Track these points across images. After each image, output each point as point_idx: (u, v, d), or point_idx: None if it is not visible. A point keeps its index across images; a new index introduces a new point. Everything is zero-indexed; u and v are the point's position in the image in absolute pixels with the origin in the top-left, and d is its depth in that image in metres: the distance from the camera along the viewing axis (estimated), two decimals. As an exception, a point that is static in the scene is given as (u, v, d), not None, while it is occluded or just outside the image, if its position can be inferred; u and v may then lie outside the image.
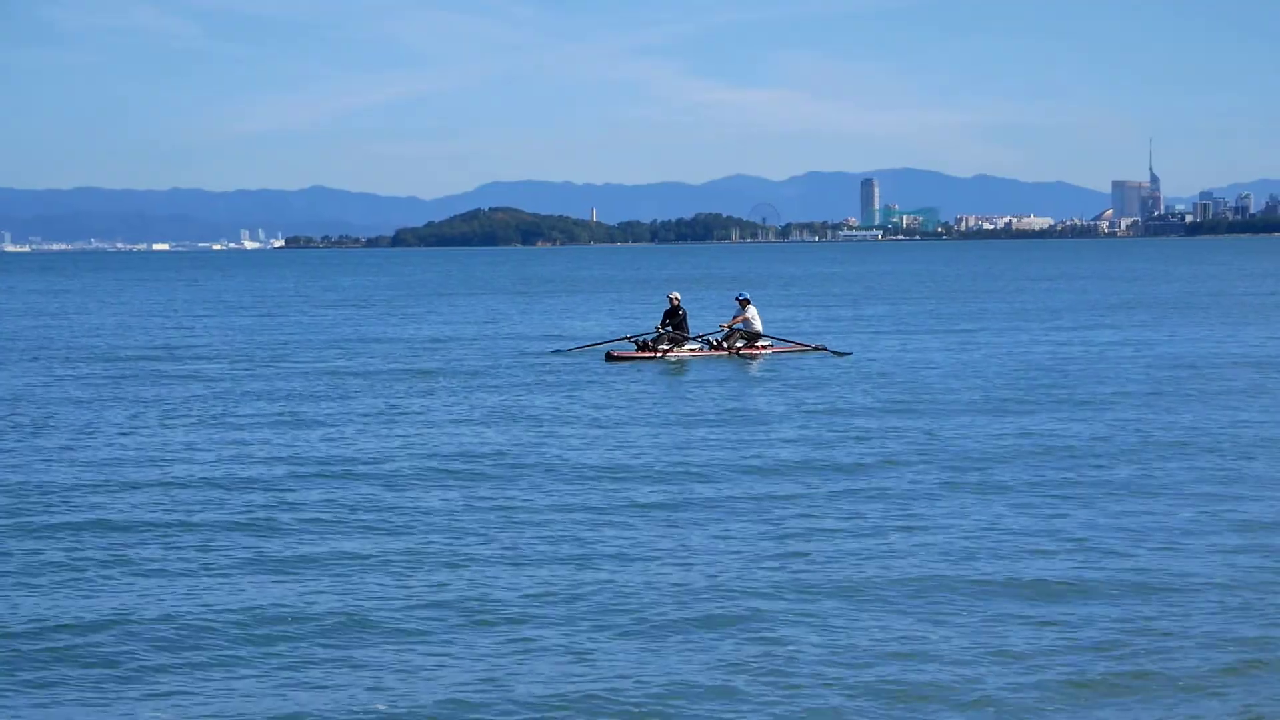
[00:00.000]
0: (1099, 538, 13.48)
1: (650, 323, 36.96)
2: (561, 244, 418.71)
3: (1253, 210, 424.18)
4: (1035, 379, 27.34)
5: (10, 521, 14.66)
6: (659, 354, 32.00)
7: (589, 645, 10.39)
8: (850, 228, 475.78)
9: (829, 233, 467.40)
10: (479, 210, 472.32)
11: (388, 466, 17.84)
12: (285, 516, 14.81)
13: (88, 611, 11.35)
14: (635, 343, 32.68)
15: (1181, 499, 15.39)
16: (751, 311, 33.34)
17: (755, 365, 30.85)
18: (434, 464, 18.00)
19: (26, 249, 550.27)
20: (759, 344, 32.97)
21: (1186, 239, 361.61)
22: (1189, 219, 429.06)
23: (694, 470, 17.38)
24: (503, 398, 25.34)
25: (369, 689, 9.57)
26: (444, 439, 20.20)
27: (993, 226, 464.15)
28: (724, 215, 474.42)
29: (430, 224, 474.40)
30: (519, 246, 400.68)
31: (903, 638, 10.48)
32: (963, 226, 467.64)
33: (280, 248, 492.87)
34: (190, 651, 10.34)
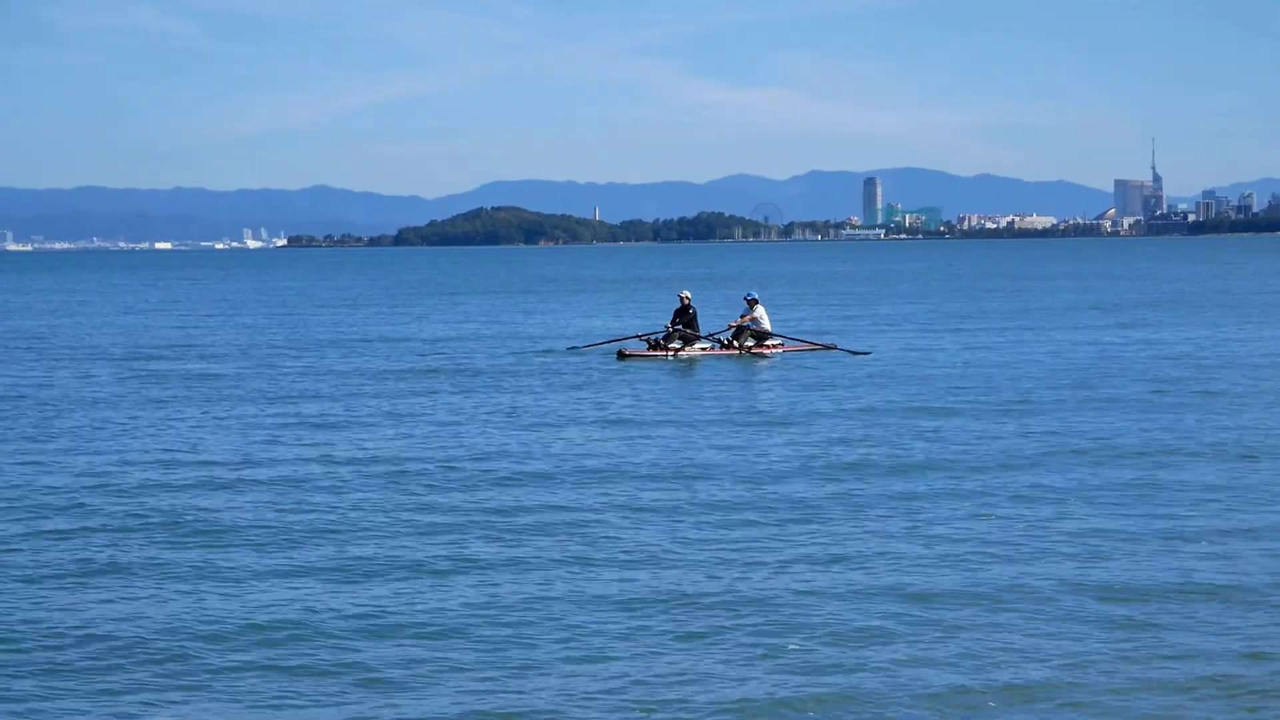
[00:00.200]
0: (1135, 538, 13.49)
1: (658, 321, 37.26)
2: (564, 243, 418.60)
3: (1256, 209, 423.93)
4: (1064, 378, 27.20)
5: (30, 522, 14.67)
6: (670, 353, 32.06)
7: (592, 650, 10.35)
8: (853, 227, 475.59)
9: (831, 232, 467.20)
10: (481, 209, 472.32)
11: (408, 465, 17.78)
12: (310, 518, 14.78)
13: (155, 612, 11.35)
14: (647, 341, 32.77)
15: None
16: (760, 311, 33.40)
17: (770, 365, 30.81)
18: (453, 464, 17.92)
19: (29, 248, 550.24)
20: (769, 343, 33.04)
21: (1189, 238, 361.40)
22: (1192, 218, 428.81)
23: (706, 471, 17.33)
24: (519, 397, 25.30)
25: (376, 694, 9.56)
26: (463, 439, 20.12)
27: (995, 226, 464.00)
28: (726, 214, 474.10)
29: (433, 223, 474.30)
30: (521, 245, 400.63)
31: (927, 643, 10.47)
32: (965, 226, 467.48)
33: (282, 247, 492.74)
34: (194, 658, 10.32)
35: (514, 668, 9.99)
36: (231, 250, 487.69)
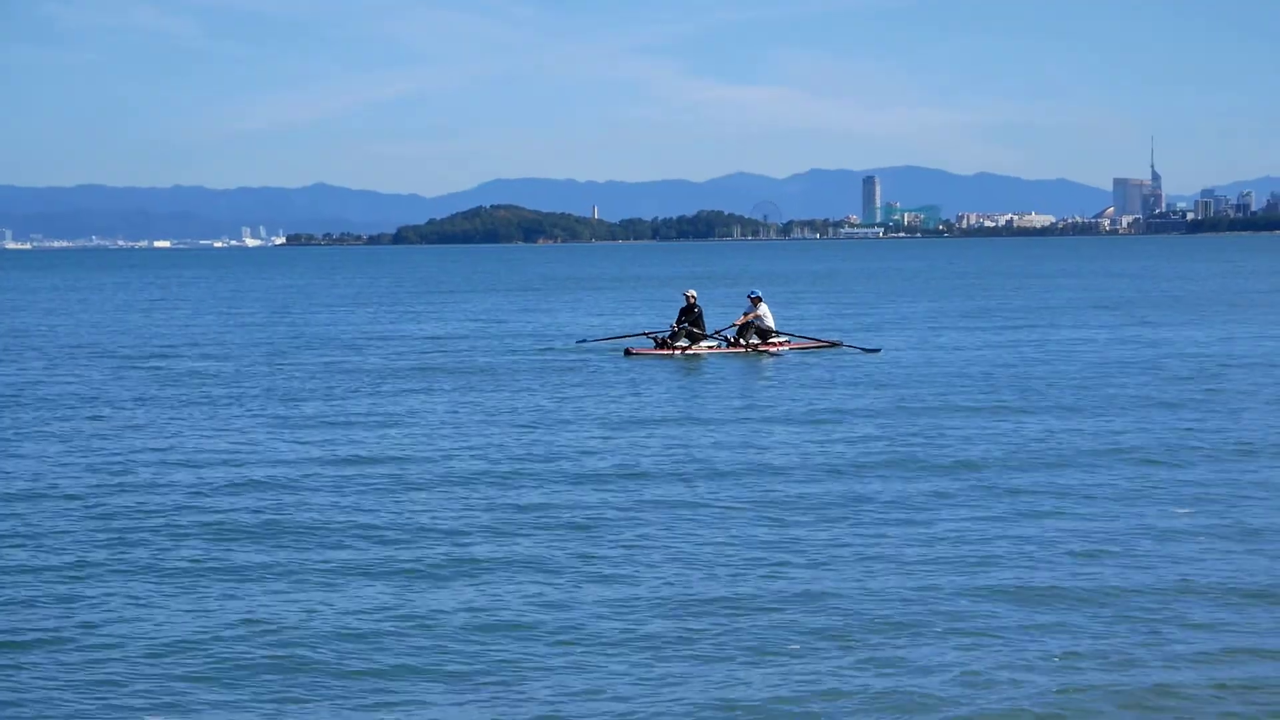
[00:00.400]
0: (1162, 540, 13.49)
1: (662, 320, 37.55)
2: (563, 241, 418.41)
3: (1254, 208, 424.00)
4: (1075, 378, 27.17)
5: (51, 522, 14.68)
6: (677, 351, 32.11)
7: (591, 651, 10.32)
8: (852, 225, 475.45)
9: (831, 230, 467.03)
10: (481, 208, 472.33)
11: (407, 465, 17.72)
12: (309, 518, 14.74)
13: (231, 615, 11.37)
14: (654, 340, 32.85)
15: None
16: (763, 309, 33.49)
17: (778, 362, 30.80)
18: (452, 463, 17.86)
19: (28, 246, 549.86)
20: (775, 340, 33.12)
21: (1188, 236, 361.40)
22: (1190, 217, 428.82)
23: (711, 470, 17.29)
24: (523, 395, 25.28)
25: (376, 695, 9.54)
26: (465, 438, 20.05)
27: (994, 224, 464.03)
28: (726, 213, 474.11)
29: (432, 221, 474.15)
30: (521, 244, 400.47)
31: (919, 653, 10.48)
32: (964, 224, 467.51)
33: (282, 245, 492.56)
34: (194, 659, 10.29)
35: (512, 669, 9.95)
36: (230, 249, 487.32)
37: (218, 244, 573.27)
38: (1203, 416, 21.59)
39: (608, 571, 12.45)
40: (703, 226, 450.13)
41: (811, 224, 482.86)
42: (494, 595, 11.73)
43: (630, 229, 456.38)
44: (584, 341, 36.22)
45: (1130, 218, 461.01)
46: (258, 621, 11.03)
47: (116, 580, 12.33)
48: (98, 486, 16.62)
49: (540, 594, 11.76)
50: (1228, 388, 25.34)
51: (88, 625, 11.03)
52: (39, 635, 10.79)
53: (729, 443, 19.55)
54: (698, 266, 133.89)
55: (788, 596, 11.59)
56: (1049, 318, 46.81)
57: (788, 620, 10.96)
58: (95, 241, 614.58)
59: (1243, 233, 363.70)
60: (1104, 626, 10.76)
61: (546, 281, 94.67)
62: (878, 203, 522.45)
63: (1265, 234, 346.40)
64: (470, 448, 19.30)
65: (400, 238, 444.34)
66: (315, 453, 19.05)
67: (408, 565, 12.75)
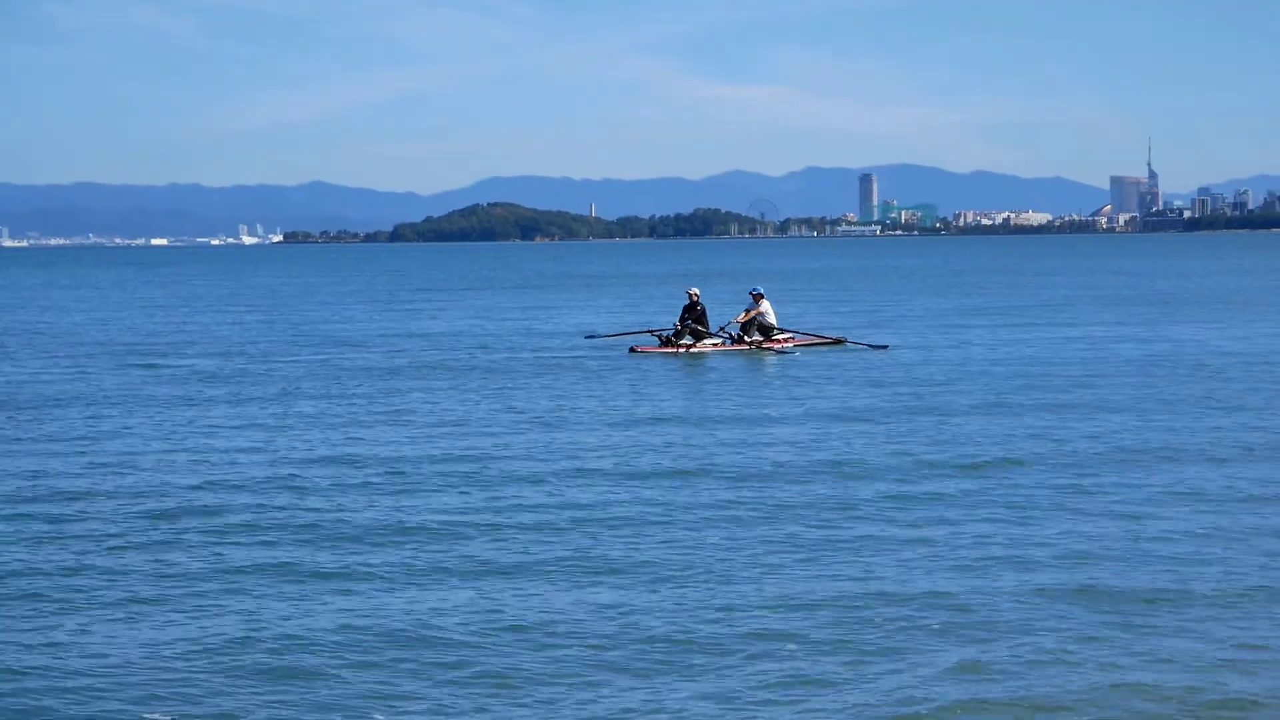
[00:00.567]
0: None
1: (664, 319, 37.81)
2: (560, 239, 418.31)
3: (1251, 206, 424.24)
4: (1087, 376, 27.15)
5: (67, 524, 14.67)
6: (681, 349, 32.17)
7: (591, 651, 10.30)
8: (849, 223, 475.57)
9: (827, 228, 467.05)
10: (477, 206, 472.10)
11: (409, 464, 17.69)
12: (310, 517, 14.71)
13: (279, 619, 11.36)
14: (659, 337, 32.97)
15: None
16: (765, 305, 33.57)
17: (785, 360, 30.84)
18: (452, 462, 17.81)
19: (24, 244, 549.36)
20: (781, 337, 33.18)
21: (1184, 234, 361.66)
22: (1187, 215, 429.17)
23: (716, 468, 17.25)
24: (525, 392, 25.27)
25: (376, 696, 9.52)
26: (467, 436, 20.02)
27: (991, 222, 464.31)
28: (722, 211, 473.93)
29: (429, 219, 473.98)
30: (517, 242, 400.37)
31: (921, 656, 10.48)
32: (961, 222, 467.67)
33: (279, 243, 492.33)
34: (193, 659, 10.27)
35: (512, 670, 9.93)
36: (227, 246, 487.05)
37: (214, 242, 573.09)
38: (1200, 414, 21.59)
39: (608, 571, 12.42)
40: (699, 225, 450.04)
41: (808, 222, 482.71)
42: (493, 595, 11.70)
43: (627, 227, 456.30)
44: (593, 337, 37.04)
45: (1127, 216, 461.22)
46: (257, 621, 11.00)
47: (116, 580, 12.31)
48: (98, 486, 16.60)
49: (540, 594, 11.74)
50: (1228, 385, 25.33)
51: (83, 628, 11.02)
52: (39, 635, 10.77)
53: (733, 441, 19.51)
54: (694, 265, 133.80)
55: (788, 596, 11.56)
56: (1050, 315, 46.79)
57: (788, 620, 10.93)
58: (92, 239, 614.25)
59: (1239, 231, 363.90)
60: (1101, 626, 10.77)
61: (545, 279, 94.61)
62: (875, 201, 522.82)
63: (1262, 232, 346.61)
64: (471, 446, 19.26)
65: (397, 235, 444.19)
66: (315, 452, 19.00)
67: (407, 565, 12.72)
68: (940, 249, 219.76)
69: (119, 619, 11.17)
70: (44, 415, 23.06)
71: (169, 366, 31.64)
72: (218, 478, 17.07)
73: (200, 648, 10.42)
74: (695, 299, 33.46)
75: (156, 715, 9.22)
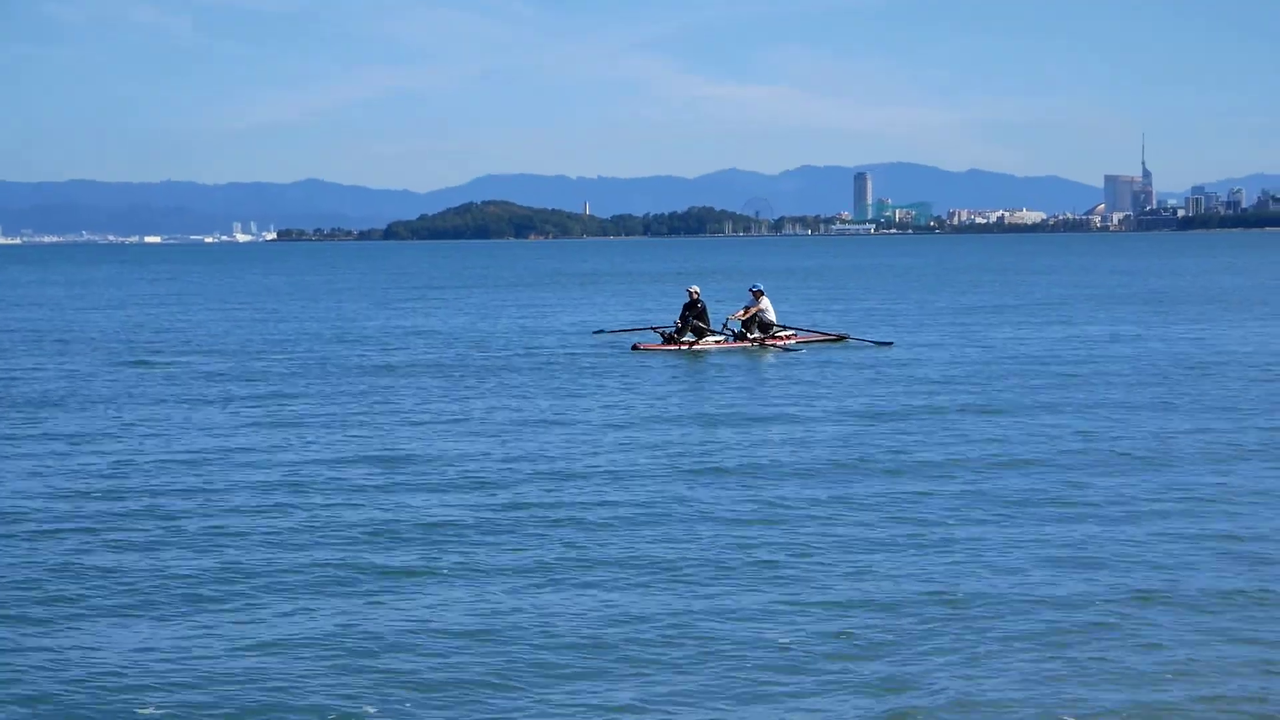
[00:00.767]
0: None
1: (666, 317, 38.32)
2: (554, 237, 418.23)
3: (1244, 205, 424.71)
4: (1082, 375, 27.14)
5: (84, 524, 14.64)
6: (683, 346, 32.29)
7: (590, 651, 10.29)
8: (843, 222, 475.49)
9: (822, 227, 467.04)
10: (472, 203, 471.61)
11: (407, 463, 17.70)
12: (321, 518, 14.70)
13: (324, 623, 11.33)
14: (661, 335, 33.16)
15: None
16: (765, 302, 33.70)
17: (788, 357, 30.86)
18: (452, 461, 17.81)
19: (18, 241, 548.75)
20: (783, 334, 33.27)
21: (1178, 233, 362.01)
22: (1181, 213, 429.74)
23: (720, 469, 17.24)
24: (528, 391, 25.23)
25: (375, 698, 9.51)
26: (468, 435, 20.02)
27: (985, 221, 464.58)
28: (717, 209, 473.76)
29: (423, 217, 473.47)
30: (511, 240, 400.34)
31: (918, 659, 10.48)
32: (955, 221, 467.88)
33: (272, 240, 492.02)
34: (192, 659, 10.27)
35: (510, 670, 9.92)
36: (221, 244, 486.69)
37: (209, 239, 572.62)
38: (1197, 413, 21.60)
39: (606, 570, 12.41)
40: (694, 223, 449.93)
41: (803, 220, 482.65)
42: (491, 593, 11.68)
43: (621, 225, 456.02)
44: (601, 332, 38.07)
45: (1121, 214, 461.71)
46: (254, 620, 10.99)
47: (115, 580, 12.29)
48: (97, 486, 16.57)
49: (538, 592, 11.72)
50: (1226, 384, 25.35)
51: (81, 627, 11.00)
52: (39, 635, 10.76)
53: (733, 439, 19.51)
54: (688, 263, 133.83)
55: (787, 596, 11.56)
56: (1045, 313, 46.80)
57: (787, 620, 10.93)
58: (86, 236, 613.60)
59: (1233, 229, 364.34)
60: (1101, 625, 10.77)
61: (539, 277, 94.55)
62: (869, 199, 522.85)
63: (1255, 231, 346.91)
64: (472, 445, 19.24)
65: (391, 233, 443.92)
66: (311, 450, 18.97)
67: (404, 564, 12.70)
68: (934, 247, 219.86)
69: (115, 619, 11.15)
70: (40, 414, 23.01)
71: (162, 364, 31.58)
72: (214, 477, 17.04)
73: (197, 647, 10.40)
74: (696, 296, 33.58)
75: (152, 713, 9.21)
